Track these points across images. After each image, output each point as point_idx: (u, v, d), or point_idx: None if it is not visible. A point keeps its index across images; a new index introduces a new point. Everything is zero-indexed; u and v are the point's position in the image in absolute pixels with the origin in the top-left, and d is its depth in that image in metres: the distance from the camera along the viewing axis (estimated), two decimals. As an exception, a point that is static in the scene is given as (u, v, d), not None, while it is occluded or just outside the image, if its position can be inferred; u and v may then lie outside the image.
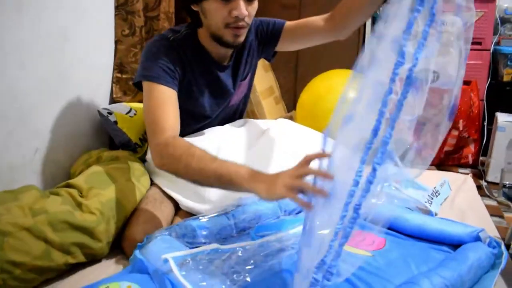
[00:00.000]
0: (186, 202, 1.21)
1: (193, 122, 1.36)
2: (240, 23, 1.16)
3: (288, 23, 1.40)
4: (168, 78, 1.17)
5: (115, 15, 1.65)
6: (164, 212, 1.20)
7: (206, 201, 1.18)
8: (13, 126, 1.24)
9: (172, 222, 1.21)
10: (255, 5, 1.19)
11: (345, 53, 2.51)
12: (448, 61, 1.82)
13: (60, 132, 1.41)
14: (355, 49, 2.53)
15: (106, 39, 1.64)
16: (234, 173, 0.92)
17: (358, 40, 2.54)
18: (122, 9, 1.65)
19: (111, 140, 1.58)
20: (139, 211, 1.18)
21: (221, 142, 1.29)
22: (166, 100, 1.15)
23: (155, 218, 1.16)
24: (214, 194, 1.18)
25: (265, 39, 1.40)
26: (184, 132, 1.28)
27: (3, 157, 1.21)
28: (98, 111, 1.52)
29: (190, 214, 1.21)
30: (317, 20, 1.32)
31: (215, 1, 1.14)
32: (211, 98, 1.34)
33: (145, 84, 1.18)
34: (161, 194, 1.25)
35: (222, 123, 1.43)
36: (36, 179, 1.32)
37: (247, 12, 1.16)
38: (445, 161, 2.00)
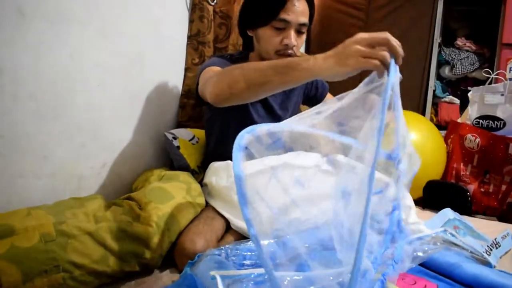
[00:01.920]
0: (236, 222, 1.25)
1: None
2: (289, 51, 1.30)
3: (329, 95, 1.63)
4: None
5: (187, 44, 1.75)
6: (215, 227, 1.24)
7: None
8: (86, 140, 1.33)
9: (222, 238, 1.25)
10: (303, 38, 1.35)
11: (408, 96, 2.50)
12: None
13: (126, 149, 1.49)
14: (418, 93, 2.52)
15: (177, 66, 1.73)
16: (289, 59, 0.94)
17: (422, 83, 2.52)
18: (194, 39, 1.75)
19: (171, 162, 1.64)
20: (191, 224, 1.23)
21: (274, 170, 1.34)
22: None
23: (205, 231, 1.20)
24: (263, 216, 1.20)
25: (309, 95, 1.61)
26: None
27: (74, 167, 1.30)
28: (164, 134, 1.60)
29: (240, 233, 1.24)
30: None
31: (269, 29, 1.29)
32: (260, 118, 1.45)
33: (203, 72, 1.27)
34: (214, 213, 1.30)
35: None
36: (100, 190, 1.40)
37: (296, 43, 1.30)
38: (507, 213, 1.90)
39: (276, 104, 1.51)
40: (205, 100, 1.24)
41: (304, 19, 1.31)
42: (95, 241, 1.01)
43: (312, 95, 1.63)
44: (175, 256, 1.17)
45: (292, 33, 1.29)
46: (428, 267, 1.14)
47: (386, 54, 0.81)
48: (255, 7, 1.34)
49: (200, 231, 1.20)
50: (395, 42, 0.82)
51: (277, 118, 1.51)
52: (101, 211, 1.09)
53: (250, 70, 1.01)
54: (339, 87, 1.01)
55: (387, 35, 0.82)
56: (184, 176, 1.39)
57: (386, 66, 0.81)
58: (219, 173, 1.37)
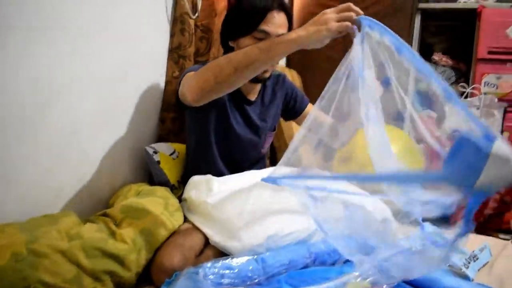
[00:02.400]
0: (215, 237, 1.23)
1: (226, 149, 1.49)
2: None
3: (309, 107, 1.67)
4: None
5: (168, 57, 1.74)
6: (193, 242, 1.23)
7: (235, 237, 1.19)
8: (62, 152, 1.29)
9: (201, 253, 1.23)
10: None
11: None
12: (490, 122, 1.79)
13: (104, 163, 1.46)
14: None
15: (158, 79, 1.71)
16: (270, 39, 1.13)
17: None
18: (175, 53, 1.74)
19: (151, 176, 1.61)
20: (169, 239, 1.22)
21: (250, 189, 1.35)
22: None
23: (183, 246, 1.19)
24: (243, 231, 1.20)
25: (288, 106, 1.65)
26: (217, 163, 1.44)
27: (49, 181, 1.26)
28: (145, 148, 1.57)
29: (219, 250, 1.23)
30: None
31: (250, 39, 1.34)
32: (238, 125, 1.49)
33: (185, 77, 1.35)
34: (192, 228, 1.29)
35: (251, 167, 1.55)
36: (76, 206, 1.35)
37: None
38: (485, 225, 1.92)
39: (255, 115, 1.53)
40: (186, 103, 1.29)
41: (283, 31, 1.36)
42: (68, 260, 0.98)
43: (290, 107, 1.65)
44: (152, 272, 1.15)
45: None
46: (407, 281, 1.13)
47: (352, 14, 1.00)
48: (237, 19, 1.40)
49: (178, 246, 1.19)
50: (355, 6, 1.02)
51: (255, 128, 1.53)
52: (75, 228, 1.06)
53: (234, 55, 1.14)
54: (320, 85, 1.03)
55: (348, 3, 1.02)
56: (162, 191, 1.37)
57: (355, 24, 0.99)
58: (199, 187, 1.36)
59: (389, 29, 0.96)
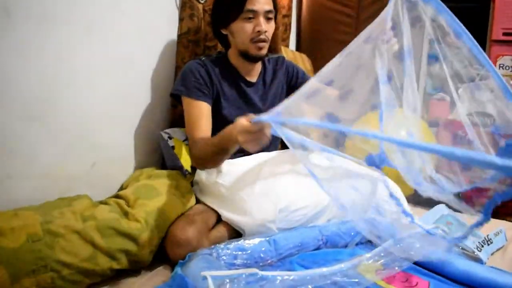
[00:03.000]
0: (227, 214, 1.26)
1: None
2: (262, 37, 1.42)
3: None
4: (200, 93, 1.43)
5: (177, 42, 1.73)
6: (205, 217, 1.26)
7: (246, 214, 1.21)
8: (74, 139, 1.31)
9: (213, 228, 1.26)
10: (272, 24, 1.47)
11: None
12: (506, 105, 1.75)
13: (117, 148, 1.47)
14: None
15: (168, 65, 1.71)
16: (223, 132, 1.17)
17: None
18: (184, 38, 1.73)
19: (163, 161, 1.62)
20: (182, 215, 1.26)
21: (260, 167, 1.37)
22: (199, 114, 1.41)
23: (196, 221, 1.22)
24: (254, 208, 1.21)
25: (291, 83, 1.67)
26: None
27: (62, 167, 1.28)
28: (160, 133, 1.58)
29: (231, 226, 1.25)
30: None
31: (241, 21, 1.41)
32: (238, 110, 1.49)
33: (184, 99, 1.45)
34: (205, 207, 1.33)
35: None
36: (90, 191, 1.36)
37: (267, 28, 1.43)
38: (499, 209, 1.90)
39: (256, 96, 1.56)
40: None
41: (269, 7, 1.42)
42: (83, 240, 1.00)
43: (293, 84, 1.67)
44: (167, 246, 1.17)
45: (262, 19, 1.41)
46: (419, 264, 1.13)
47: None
48: (224, 5, 1.44)
49: (191, 220, 1.22)
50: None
51: (256, 108, 1.53)
52: (89, 210, 1.08)
53: (209, 150, 1.25)
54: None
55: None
56: (173, 174, 1.38)
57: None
58: (209, 169, 1.39)
59: (449, 11, 0.95)
